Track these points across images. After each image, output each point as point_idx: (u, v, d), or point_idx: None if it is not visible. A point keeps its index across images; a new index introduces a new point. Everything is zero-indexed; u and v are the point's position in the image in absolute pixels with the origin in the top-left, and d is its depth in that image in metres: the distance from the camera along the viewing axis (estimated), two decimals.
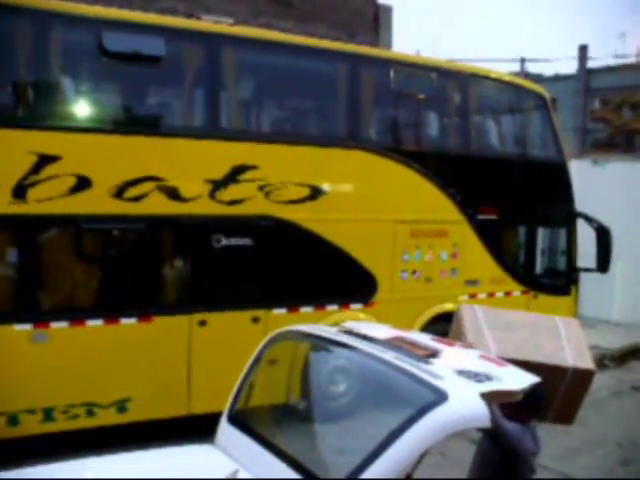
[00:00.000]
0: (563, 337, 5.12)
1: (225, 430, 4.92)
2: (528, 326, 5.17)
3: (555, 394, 4.90)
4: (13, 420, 7.43)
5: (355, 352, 5.00)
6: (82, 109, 8.22)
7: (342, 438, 5.21)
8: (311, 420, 5.80)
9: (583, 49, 41.40)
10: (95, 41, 7.81)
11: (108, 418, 7.91)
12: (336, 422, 7.23)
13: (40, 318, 7.57)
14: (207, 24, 8.77)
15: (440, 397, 4.09)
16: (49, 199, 7.46)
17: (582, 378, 4.93)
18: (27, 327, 7.46)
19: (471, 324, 5.08)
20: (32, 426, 7.53)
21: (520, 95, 11.48)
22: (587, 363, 4.99)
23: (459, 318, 5.26)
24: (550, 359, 4.88)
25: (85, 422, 7.80)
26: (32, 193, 7.37)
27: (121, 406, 7.96)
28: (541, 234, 11.65)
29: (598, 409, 10.66)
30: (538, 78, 36.32)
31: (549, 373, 4.78)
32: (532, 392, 4.65)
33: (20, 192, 7.31)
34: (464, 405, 4.10)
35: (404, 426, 4.01)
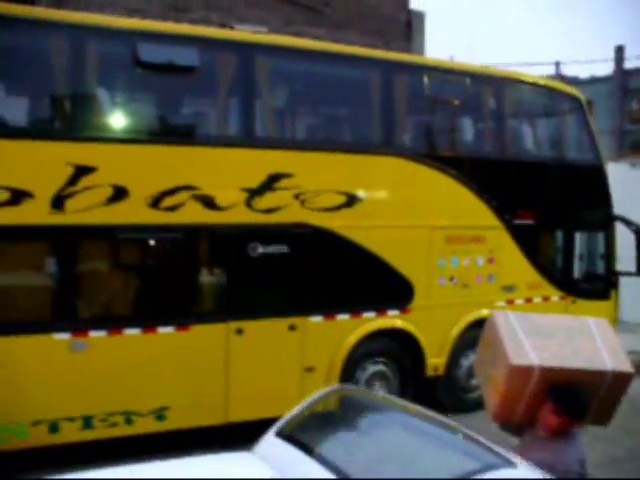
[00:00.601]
0: (597, 339, 5.03)
1: (268, 441, 4.90)
2: (562, 330, 5.08)
3: (594, 397, 4.83)
4: (53, 428, 7.50)
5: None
6: (118, 120, 8.30)
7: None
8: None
9: (619, 50, 41.01)
10: (130, 52, 7.88)
11: (146, 426, 7.95)
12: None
13: (79, 327, 7.64)
14: (240, 33, 8.81)
15: (508, 463, 4.16)
16: (86, 209, 7.53)
17: (620, 381, 4.86)
18: (66, 336, 7.53)
19: (507, 332, 5.00)
20: (72, 434, 7.60)
21: (555, 98, 11.38)
22: (625, 366, 4.91)
23: (493, 325, 5.18)
24: (590, 364, 4.81)
25: (124, 430, 7.85)
26: (70, 204, 7.44)
27: (159, 414, 8.00)
28: (579, 238, 11.52)
29: None
30: (574, 81, 36.04)
31: (589, 378, 4.74)
32: (574, 397, 4.61)
33: (58, 203, 7.39)
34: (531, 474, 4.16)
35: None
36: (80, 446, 7.60)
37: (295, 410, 5.27)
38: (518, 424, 4.97)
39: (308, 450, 4.56)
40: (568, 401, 4.59)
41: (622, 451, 9.02)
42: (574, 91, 11.44)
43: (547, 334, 4.97)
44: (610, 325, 5.27)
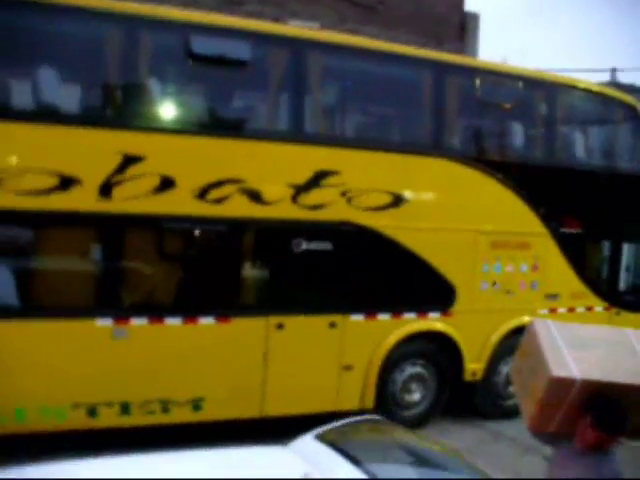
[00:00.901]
0: (639, 352, 4.91)
1: (306, 440, 4.89)
2: (602, 342, 4.92)
3: (635, 412, 4.64)
4: (92, 412, 7.59)
5: None
6: (167, 111, 8.37)
7: None
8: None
9: None
10: (183, 44, 7.92)
11: (183, 415, 8.00)
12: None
13: (120, 314, 7.72)
14: (293, 29, 8.82)
15: None
16: (133, 198, 7.59)
17: None
18: (108, 322, 7.61)
19: (547, 341, 4.85)
20: (110, 419, 7.68)
21: (609, 105, 11.20)
22: None
23: (533, 333, 5.06)
24: (631, 378, 4.64)
25: (160, 418, 7.91)
26: (117, 192, 7.51)
27: (196, 404, 8.04)
28: (626, 249, 11.35)
29: None
30: (630, 88, 35.44)
31: (631, 391, 4.58)
32: (612, 412, 4.52)
33: (106, 190, 7.47)
34: None
35: None
36: (114, 433, 7.69)
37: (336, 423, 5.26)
38: (553, 434, 4.90)
39: (347, 455, 4.55)
40: (606, 416, 4.48)
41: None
42: (629, 99, 11.25)
43: (587, 345, 4.84)
44: None
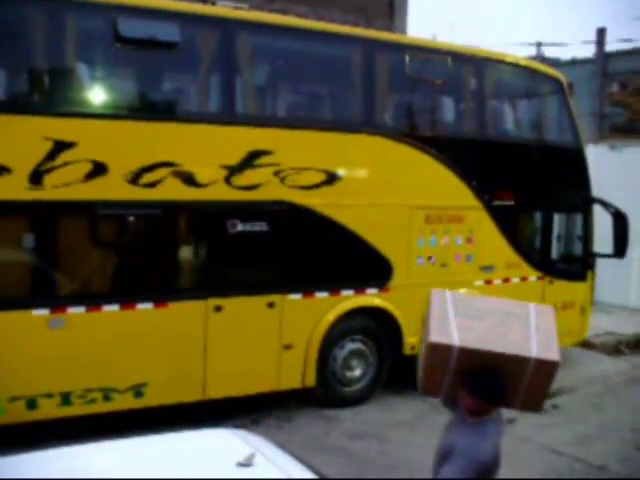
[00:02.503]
0: (532, 326, 4.98)
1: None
2: (498, 314, 5.01)
3: (519, 383, 4.80)
4: (31, 404, 7.49)
5: None
6: (97, 95, 8.24)
7: None
8: None
9: (601, 33, 41.02)
10: (110, 27, 7.79)
11: (125, 403, 7.96)
12: None
13: (57, 304, 7.62)
14: (221, 9, 8.75)
15: None
16: (65, 185, 7.47)
17: (545, 368, 4.82)
18: (44, 312, 7.50)
19: (438, 310, 4.98)
20: (50, 410, 7.59)
21: (536, 79, 11.40)
22: (552, 354, 4.86)
23: (429, 303, 5.20)
24: (513, 349, 4.75)
25: (102, 407, 7.85)
26: (48, 179, 7.38)
27: (137, 391, 8.01)
28: (557, 220, 11.60)
29: (614, 395, 10.66)
30: (555, 62, 36.04)
31: (511, 362, 4.71)
32: (488, 381, 4.61)
33: (36, 178, 7.34)
34: None
35: None
36: (61, 423, 7.61)
37: None
38: (453, 402, 5.02)
39: None
40: (481, 385, 4.58)
41: (594, 428, 9.17)
42: (555, 73, 11.47)
43: (479, 316, 4.94)
44: (554, 315, 5.24)
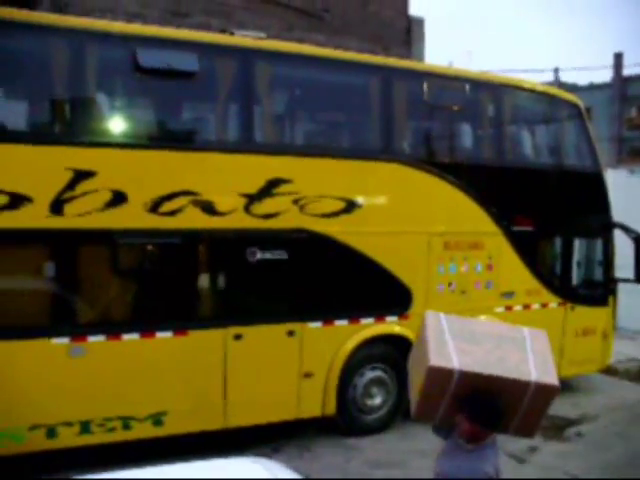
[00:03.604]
0: (529, 350, 4.96)
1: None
2: (493, 338, 5.02)
3: (517, 408, 4.78)
4: (51, 432, 7.49)
5: None
6: (117, 125, 8.32)
7: None
8: None
9: (618, 57, 41.08)
10: (129, 58, 7.88)
11: (144, 431, 7.94)
12: None
13: (77, 332, 7.64)
14: (240, 39, 8.82)
15: None
16: (85, 214, 7.52)
17: (544, 393, 4.78)
18: (64, 341, 7.53)
19: (435, 332, 4.95)
20: (70, 438, 7.59)
21: (554, 105, 11.39)
22: (551, 379, 4.84)
23: (423, 325, 5.15)
24: (512, 373, 4.74)
25: (121, 435, 7.84)
26: (69, 208, 7.44)
27: (157, 419, 7.99)
28: (578, 245, 11.53)
29: (639, 422, 10.51)
30: (573, 87, 36.10)
31: (511, 387, 4.70)
32: (486, 406, 4.61)
33: (57, 207, 7.39)
34: None
35: None
36: (80, 451, 7.60)
37: None
38: (447, 428, 4.97)
39: None
40: (480, 409, 4.60)
41: (620, 457, 9.04)
42: (573, 98, 11.46)
43: (476, 339, 4.94)
44: (547, 337, 5.19)
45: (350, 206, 8.96)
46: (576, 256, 11.51)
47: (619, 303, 11.95)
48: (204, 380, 8.25)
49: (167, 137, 8.45)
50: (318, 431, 9.17)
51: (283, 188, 8.51)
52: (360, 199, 9.07)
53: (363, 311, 9.24)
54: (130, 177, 7.78)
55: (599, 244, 11.64)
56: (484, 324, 5.25)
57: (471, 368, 4.70)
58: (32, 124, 8.16)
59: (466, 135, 10.81)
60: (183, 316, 8.26)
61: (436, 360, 4.73)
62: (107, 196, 7.61)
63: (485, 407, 4.60)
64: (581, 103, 11.33)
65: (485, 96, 10.49)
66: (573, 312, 11.03)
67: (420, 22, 17.35)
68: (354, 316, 9.15)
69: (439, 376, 4.71)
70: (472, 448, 4.65)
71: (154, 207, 7.84)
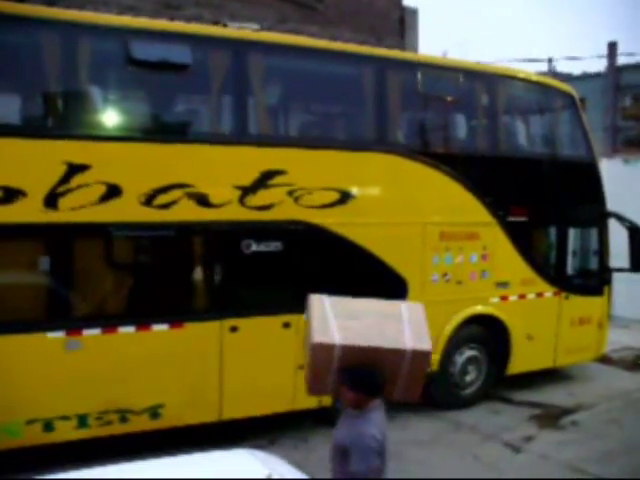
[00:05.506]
0: (405, 321, 5.38)
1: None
2: (373, 313, 5.44)
3: (398, 374, 5.20)
4: (48, 426, 7.51)
5: None
6: (110, 118, 8.29)
7: None
8: None
9: (612, 47, 41.06)
10: (122, 50, 7.86)
11: (141, 424, 7.95)
12: None
13: (73, 326, 7.64)
14: (233, 30, 8.80)
15: None
16: (80, 207, 7.52)
17: (420, 358, 5.22)
18: (60, 335, 7.53)
19: (318, 313, 5.34)
20: (67, 432, 7.60)
21: (548, 95, 11.39)
22: (424, 345, 5.25)
23: (308, 307, 5.53)
24: (391, 343, 5.16)
25: (119, 428, 7.86)
26: (63, 202, 7.43)
27: (154, 412, 8.00)
28: (572, 234, 11.54)
29: (634, 411, 10.55)
30: (567, 77, 36.08)
31: (391, 356, 5.10)
32: (364, 375, 4.97)
33: (51, 201, 7.38)
34: None
35: None
36: (78, 444, 7.61)
37: None
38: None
39: None
40: (359, 379, 4.95)
41: (615, 445, 9.07)
42: (567, 88, 11.46)
43: (357, 316, 5.35)
44: (424, 310, 5.60)
45: (345, 197, 8.96)
46: (571, 246, 11.52)
47: (614, 292, 11.99)
48: (200, 372, 8.26)
49: (161, 130, 8.42)
50: (314, 423, 9.18)
51: (277, 180, 8.50)
52: (355, 190, 9.07)
53: None
54: (124, 170, 7.77)
55: (594, 234, 11.66)
56: (365, 302, 5.64)
57: (351, 341, 5.10)
58: (25, 118, 8.13)
59: (461, 125, 10.81)
60: (179, 309, 8.27)
61: (319, 337, 5.13)
62: (101, 189, 7.60)
63: (363, 375, 4.98)
64: (576, 93, 11.33)
65: (479, 86, 10.47)
66: (568, 301, 11.05)
67: (414, 12, 17.35)
68: None
69: (323, 351, 5.10)
70: (357, 414, 4.99)
71: (148, 200, 7.83)
